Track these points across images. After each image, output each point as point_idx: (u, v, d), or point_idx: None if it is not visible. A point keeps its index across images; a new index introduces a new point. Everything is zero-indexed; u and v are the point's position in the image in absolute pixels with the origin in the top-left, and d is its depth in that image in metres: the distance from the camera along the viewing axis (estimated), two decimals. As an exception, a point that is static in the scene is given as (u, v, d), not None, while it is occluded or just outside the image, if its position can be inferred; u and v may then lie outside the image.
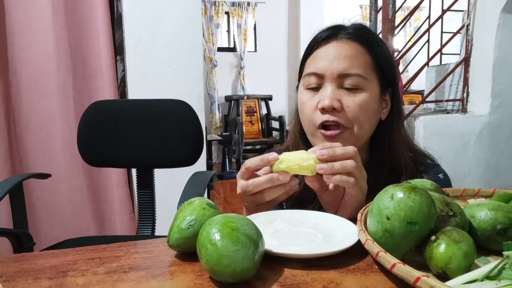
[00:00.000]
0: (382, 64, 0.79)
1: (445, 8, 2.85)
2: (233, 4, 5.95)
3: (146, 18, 2.14)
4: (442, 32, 2.98)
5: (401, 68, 3.53)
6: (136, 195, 1.59)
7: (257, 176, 0.66)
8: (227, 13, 6.03)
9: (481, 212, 0.53)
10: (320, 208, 0.78)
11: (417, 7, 2.94)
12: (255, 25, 6.17)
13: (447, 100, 2.83)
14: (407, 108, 2.75)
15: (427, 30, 2.95)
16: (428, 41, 3.04)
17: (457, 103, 2.76)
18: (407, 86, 3.14)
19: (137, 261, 0.53)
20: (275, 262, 0.50)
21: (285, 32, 6.21)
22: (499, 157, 2.63)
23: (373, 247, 0.46)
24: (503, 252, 0.43)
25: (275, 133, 6.22)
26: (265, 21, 6.14)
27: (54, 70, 2.00)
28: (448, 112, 2.80)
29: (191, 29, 2.22)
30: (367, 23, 3.05)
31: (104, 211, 2.19)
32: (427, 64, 2.91)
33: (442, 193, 0.58)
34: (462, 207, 0.53)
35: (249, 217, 0.61)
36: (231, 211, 1.59)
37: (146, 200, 1.55)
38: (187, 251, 0.52)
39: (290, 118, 0.92)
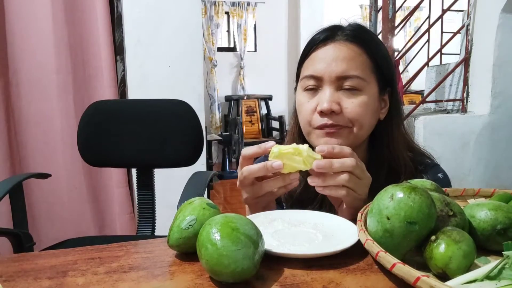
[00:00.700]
0: (380, 64, 0.78)
1: (445, 8, 2.85)
2: (233, 4, 5.95)
3: (146, 18, 2.14)
4: (442, 32, 2.98)
5: (401, 68, 3.52)
6: (136, 195, 1.59)
7: None
8: (227, 13, 6.03)
9: (481, 212, 0.53)
10: (320, 208, 0.78)
11: (417, 7, 2.93)
12: (255, 25, 6.17)
13: (447, 100, 2.83)
14: (407, 108, 2.75)
15: (427, 30, 2.95)
16: (428, 41, 3.04)
17: (457, 103, 2.76)
18: (407, 86, 3.14)
19: (137, 261, 0.53)
20: (275, 262, 0.50)
21: (285, 32, 6.21)
22: (499, 157, 2.63)
23: (373, 247, 0.46)
24: (503, 252, 0.43)
25: (275, 133, 6.22)
26: (265, 21, 6.14)
27: (54, 70, 2.00)
28: (448, 112, 2.79)
29: (191, 29, 2.22)
30: (367, 23, 3.06)
31: (104, 211, 2.19)
32: (427, 64, 2.91)
33: (442, 193, 0.58)
34: (462, 207, 0.53)
35: (249, 217, 0.61)
36: (231, 211, 1.59)
37: (146, 200, 1.55)
38: (187, 251, 0.52)
39: (289, 118, 0.92)
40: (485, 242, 0.52)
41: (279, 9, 6.12)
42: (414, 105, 2.76)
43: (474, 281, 0.40)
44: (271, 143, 0.65)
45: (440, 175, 0.83)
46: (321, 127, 0.75)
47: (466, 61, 2.64)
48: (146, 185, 1.55)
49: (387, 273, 0.46)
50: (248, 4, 5.99)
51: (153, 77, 2.17)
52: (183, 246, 0.52)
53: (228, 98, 6.04)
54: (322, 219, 0.62)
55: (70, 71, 2.05)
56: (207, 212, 0.53)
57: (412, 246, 0.47)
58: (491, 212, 0.52)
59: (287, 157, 0.62)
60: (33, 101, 2.00)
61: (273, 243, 0.54)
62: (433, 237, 0.46)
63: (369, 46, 0.78)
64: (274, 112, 6.15)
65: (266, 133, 6.22)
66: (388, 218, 0.47)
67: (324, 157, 0.63)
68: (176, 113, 1.52)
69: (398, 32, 2.76)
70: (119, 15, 2.13)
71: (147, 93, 2.13)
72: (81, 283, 0.46)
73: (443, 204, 0.51)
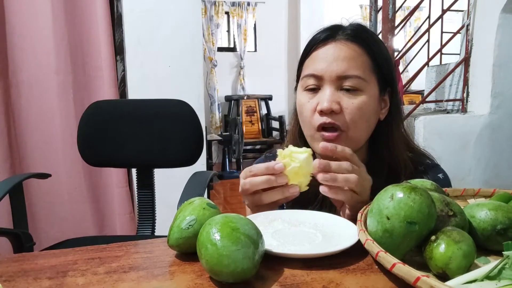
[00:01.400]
0: (380, 64, 0.78)
1: (445, 8, 2.85)
2: (233, 4, 5.95)
3: (146, 18, 2.14)
4: (442, 32, 2.98)
5: (401, 68, 3.52)
6: (136, 195, 1.59)
7: None
8: (227, 13, 6.02)
9: (481, 212, 0.53)
10: (320, 208, 0.78)
11: (417, 7, 2.93)
12: (255, 25, 6.17)
13: (447, 100, 2.83)
14: (407, 108, 2.75)
15: (427, 30, 2.95)
16: (428, 41, 3.03)
17: (457, 103, 2.76)
18: (407, 86, 3.14)
19: (137, 261, 0.53)
20: (275, 262, 0.50)
21: (285, 32, 6.20)
22: (499, 157, 2.63)
23: (373, 247, 0.46)
24: (503, 252, 0.43)
25: (275, 133, 6.22)
26: (265, 21, 6.13)
27: (54, 70, 2.00)
28: (448, 112, 2.79)
29: (191, 29, 2.22)
30: (367, 23, 3.06)
31: (104, 211, 2.19)
32: (427, 64, 2.91)
33: (442, 193, 0.58)
34: (462, 207, 0.53)
35: (249, 217, 0.61)
36: (231, 211, 1.59)
37: (146, 200, 1.55)
38: (187, 251, 0.52)
39: (290, 118, 0.92)
40: (485, 242, 0.52)
41: (279, 9, 6.12)
42: (414, 105, 2.76)
43: (474, 281, 0.40)
44: (279, 164, 0.66)
45: (440, 175, 0.83)
46: (320, 126, 0.75)
47: (466, 61, 2.64)
48: (146, 185, 1.55)
49: (387, 273, 0.46)
50: (248, 4, 5.99)
51: (153, 77, 2.17)
52: (183, 246, 0.52)
53: (228, 98, 6.04)
54: (322, 219, 0.62)
55: (70, 71, 2.05)
56: (207, 212, 0.53)
57: (412, 246, 0.47)
58: (491, 212, 0.52)
59: (293, 172, 0.65)
60: (33, 101, 2.00)
61: (273, 243, 0.54)
62: (433, 237, 0.46)
63: (370, 46, 0.77)
64: (274, 112, 6.15)
65: (266, 133, 6.21)
66: (388, 218, 0.47)
67: (325, 155, 0.65)
68: (176, 113, 1.52)
69: (398, 32, 2.76)
70: (119, 15, 2.13)
71: (147, 93, 2.13)
72: (81, 283, 0.46)
73: (443, 204, 0.51)
